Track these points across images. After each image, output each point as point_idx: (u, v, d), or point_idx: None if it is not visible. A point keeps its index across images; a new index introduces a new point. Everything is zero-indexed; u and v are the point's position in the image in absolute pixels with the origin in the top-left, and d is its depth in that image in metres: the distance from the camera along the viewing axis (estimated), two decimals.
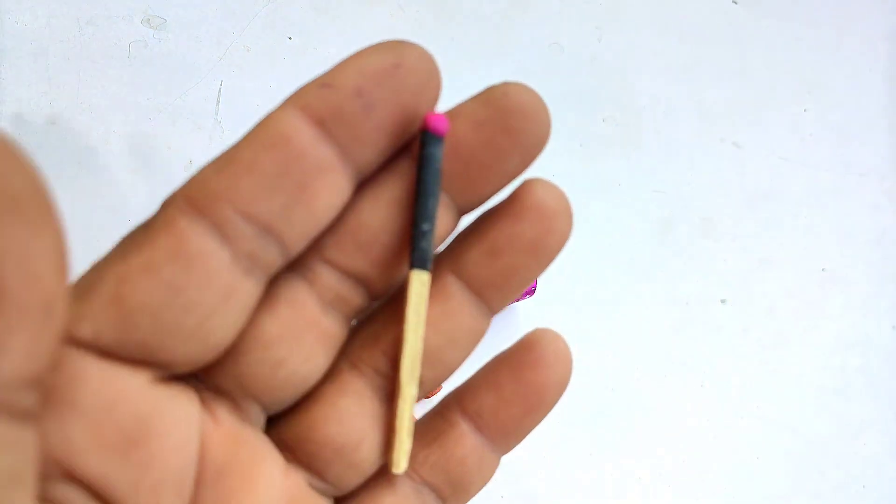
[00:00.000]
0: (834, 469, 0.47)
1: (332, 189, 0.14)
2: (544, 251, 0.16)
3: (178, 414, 0.14)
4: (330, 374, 0.16)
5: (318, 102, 0.14)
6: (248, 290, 0.14)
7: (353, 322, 0.16)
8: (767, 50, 0.48)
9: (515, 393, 0.16)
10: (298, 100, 0.14)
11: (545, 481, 0.41)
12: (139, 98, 0.37)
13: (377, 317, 0.16)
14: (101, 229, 0.36)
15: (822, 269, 0.48)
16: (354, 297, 0.15)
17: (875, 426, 0.48)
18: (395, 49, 0.14)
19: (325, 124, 0.14)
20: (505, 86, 0.15)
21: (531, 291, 0.40)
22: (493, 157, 0.15)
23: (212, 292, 0.13)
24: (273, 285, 0.15)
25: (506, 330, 0.42)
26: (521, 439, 0.17)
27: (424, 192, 0.15)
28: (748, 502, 0.45)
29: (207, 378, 0.15)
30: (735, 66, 0.47)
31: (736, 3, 0.48)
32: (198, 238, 0.13)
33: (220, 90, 0.38)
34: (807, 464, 0.46)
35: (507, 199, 0.16)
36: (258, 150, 0.13)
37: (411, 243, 0.15)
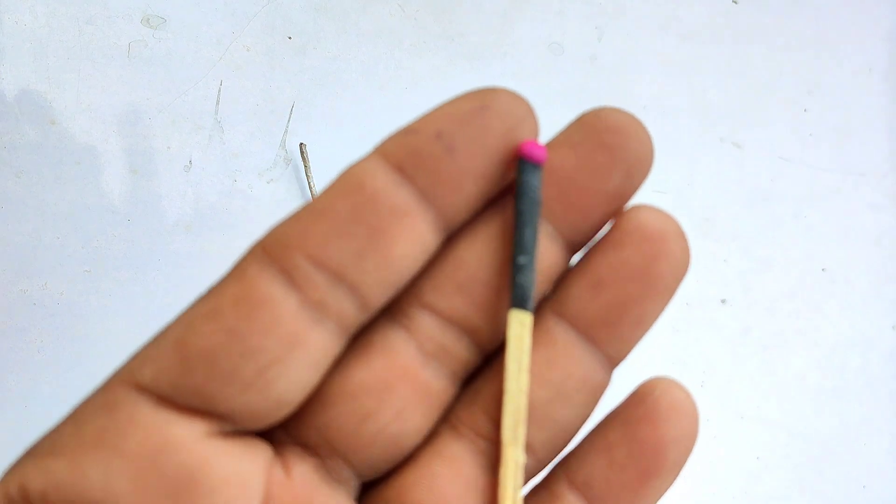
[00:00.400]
0: (834, 469, 0.47)
1: (411, 235, 0.13)
2: (656, 280, 0.14)
3: (235, 469, 0.13)
4: (429, 437, 0.14)
5: (397, 147, 0.13)
6: (319, 340, 0.13)
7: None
8: (767, 50, 0.48)
9: (629, 456, 0.14)
10: (381, 147, 0.13)
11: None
12: (139, 98, 0.37)
13: (480, 370, 0.15)
14: (101, 229, 0.36)
15: (822, 269, 0.48)
16: (459, 349, 0.14)
17: (875, 426, 0.48)
18: (483, 94, 0.13)
19: (404, 169, 0.13)
20: (598, 109, 0.14)
21: None
22: (591, 177, 0.14)
23: (275, 340, 0.13)
24: (368, 333, 0.14)
25: None
26: None
27: (521, 223, 0.14)
28: (748, 502, 0.45)
29: (294, 432, 0.14)
30: (735, 66, 0.47)
31: (736, 2, 0.48)
32: (265, 284, 0.13)
33: (220, 90, 0.38)
34: (807, 464, 0.46)
35: (611, 228, 0.14)
36: (332, 197, 0.13)
37: (510, 280, 0.14)
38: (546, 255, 0.14)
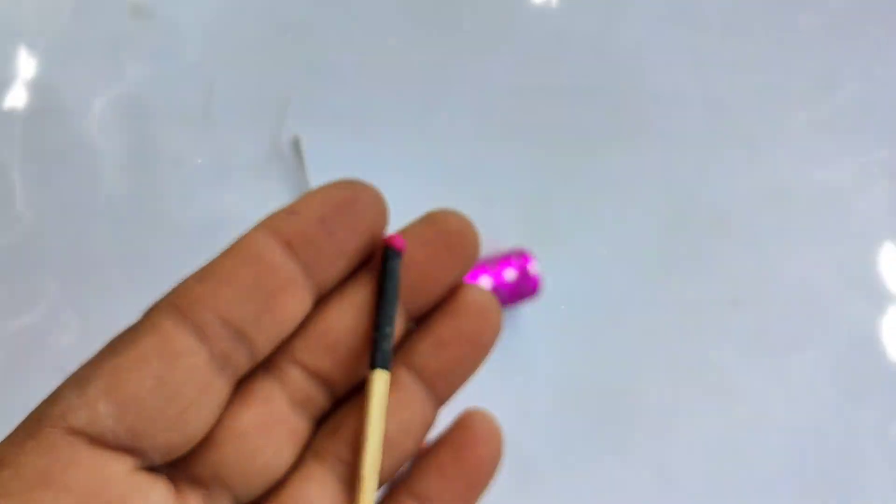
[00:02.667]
0: (845, 474, 0.46)
1: (297, 300, 0.16)
2: (483, 344, 0.18)
3: (156, 500, 0.15)
4: (295, 465, 0.18)
5: (286, 226, 0.17)
6: (221, 386, 0.16)
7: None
8: (781, 43, 0.47)
9: (458, 473, 0.18)
10: (269, 224, 0.17)
11: (546, 480, 0.41)
12: (130, 92, 0.37)
13: (339, 408, 0.18)
14: (102, 229, 0.36)
15: (838, 269, 0.47)
16: (320, 397, 0.18)
17: (876, 426, 0.47)
18: (352, 186, 0.17)
19: (293, 245, 0.17)
20: (442, 213, 0.18)
21: (534, 292, 0.40)
22: (438, 270, 0.18)
23: (192, 385, 0.15)
24: (250, 383, 0.17)
25: (512, 332, 0.41)
26: None
27: (386, 299, 0.18)
28: (748, 502, 0.45)
29: (186, 468, 0.16)
30: (748, 60, 0.47)
31: None
32: (181, 337, 0.16)
33: (213, 84, 0.38)
34: (818, 468, 0.46)
35: (449, 302, 0.18)
36: (236, 265, 0.16)
37: (373, 345, 0.17)
38: (397, 323, 0.18)
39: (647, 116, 0.45)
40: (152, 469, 0.16)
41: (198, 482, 0.16)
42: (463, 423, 0.19)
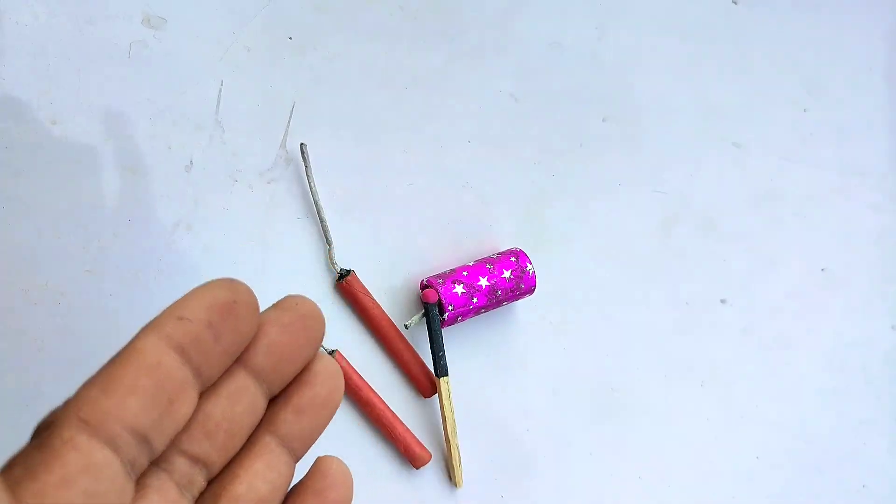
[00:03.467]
0: (834, 469, 0.47)
1: (189, 400, 0.18)
2: (332, 405, 0.21)
3: None
4: None
5: (177, 334, 0.18)
6: (130, 487, 0.17)
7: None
8: (768, 50, 0.48)
9: None
10: (161, 329, 0.18)
11: (545, 480, 0.41)
12: (139, 98, 0.37)
13: (213, 482, 0.21)
14: (101, 229, 0.36)
15: (823, 269, 0.48)
16: (200, 479, 0.20)
17: (875, 426, 0.48)
18: (231, 288, 0.19)
19: (185, 351, 0.18)
20: (296, 299, 0.20)
21: (530, 290, 0.40)
22: (297, 349, 0.20)
23: (113, 494, 0.17)
24: (144, 477, 0.18)
25: (506, 329, 0.42)
26: None
27: (434, 335, 0.38)
28: (748, 502, 0.45)
29: None
30: (736, 66, 0.47)
31: (736, 3, 0.48)
32: (99, 452, 0.17)
33: (220, 90, 0.38)
34: (807, 464, 0.46)
35: (302, 372, 0.21)
36: (138, 374, 0.17)
37: (435, 362, 0.38)
38: (254, 405, 0.20)
39: (639, 121, 0.45)
40: None
41: None
42: (321, 470, 0.21)
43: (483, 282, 0.38)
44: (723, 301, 0.46)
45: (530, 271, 0.39)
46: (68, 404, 0.17)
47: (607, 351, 0.43)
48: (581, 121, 0.44)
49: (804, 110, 0.48)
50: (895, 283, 0.49)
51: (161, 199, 0.37)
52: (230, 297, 0.19)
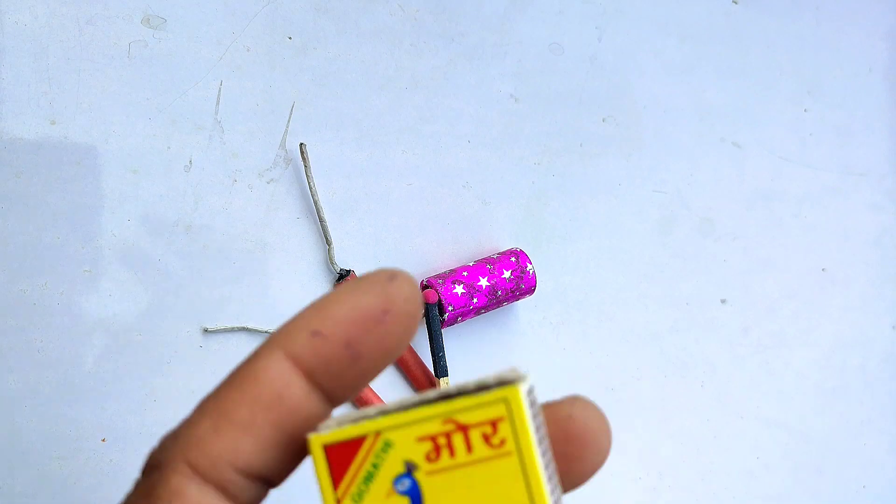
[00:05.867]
0: (834, 469, 0.47)
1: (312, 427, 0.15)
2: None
3: None
4: None
5: (308, 354, 0.15)
6: None
7: None
8: (767, 50, 0.48)
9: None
10: (288, 346, 0.15)
11: None
12: (139, 98, 0.37)
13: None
14: (101, 229, 0.36)
15: (822, 269, 0.48)
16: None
17: (875, 426, 0.48)
18: (383, 292, 0.15)
19: (314, 376, 0.15)
20: (582, 403, 0.16)
21: (530, 290, 0.40)
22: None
23: None
24: None
25: (506, 329, 0.42)
26: None
27: (434, 335, 0.38)
28: (748, 502, 0.45)
29: None
30: (735, 67, 0.47)
31: (736, 3, 0.48)
32: (209, 502, 0.14)
33: (220, 90, 0.38)
34: (807, 464, 0.47)
35: None
36: (255, 409, 0.15)
37: (435, 363, 0.38)
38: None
39: (638, 121, 0.45)
40: None
41: None
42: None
43: (483, 282, 0.39)
44: (723, 301, 0.46)
45: (530, 271, 0.40)
46: (177, 439, 0.15)
47: (607, 351, 0.43)
48: (581, 121, 0.44)
49: (804, 110, 0.48)
50: (895, 283, 0.49)
51: (161, 199, 0.37)
52: (380, 305, 0.15)
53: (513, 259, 0.39)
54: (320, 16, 0.40)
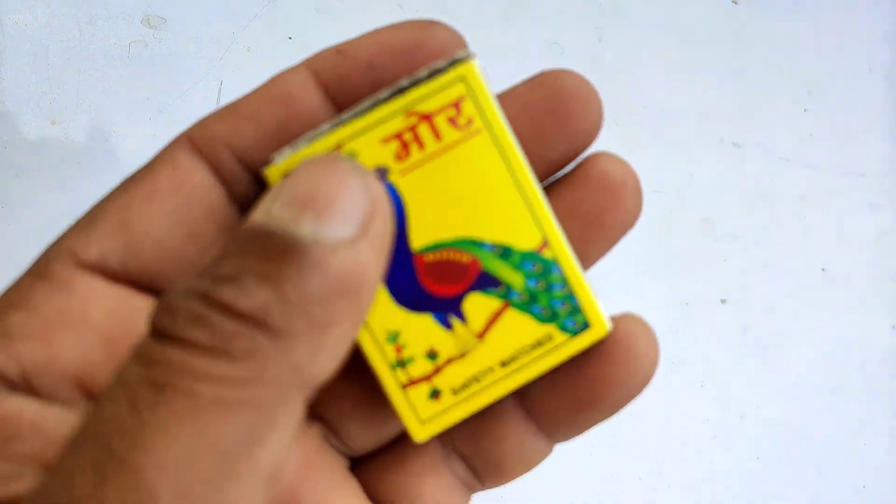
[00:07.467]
0: (834, 469, 0.47)
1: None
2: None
3: None
4: None
5: (329, 68, 0.14)
6: (233, 220, 0.14)
7: None
8: (767, 50, 0.48)
9: (570, 385, 0.16)
10: (313, 62, 0.15)
11: (545, 480, 0.41)
12: (139, 98, 0.37)
13: None
14: None
15: (822, 269, 0.48)
16: None
17: (875, 426, 0.48)
18: (420, 29, 0.15)
19: (329, 89, 0.14)
20: (556, 72, 0.15)
21: None
22: (537, 144, 0.15)
23: (212, 225, 0.14)
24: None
25: None
26: (580, 432, 0.16)
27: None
28: (748, 502, 0.45)
29: None
30: (735, 67, 0.47)
31: (736, 3, 0.48)
32: (197, 174, 0.14)
33: (220, 90, 0.38)
34: (807, 464, 0.46)
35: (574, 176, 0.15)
36: (264, 103, 0.14)
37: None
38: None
39: (638, 122, 0.45)
40: None
41: None
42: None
43: None
44: (723, 301, 0.46)
45: None
46: (188, 128, 0.14)
47: None
48: None
49: (804, 110, 0.48)
50: (894, 283, 0.49)
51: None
52: (414, 39, 0.15)
53: None
54: (320, 16, 0.40)
